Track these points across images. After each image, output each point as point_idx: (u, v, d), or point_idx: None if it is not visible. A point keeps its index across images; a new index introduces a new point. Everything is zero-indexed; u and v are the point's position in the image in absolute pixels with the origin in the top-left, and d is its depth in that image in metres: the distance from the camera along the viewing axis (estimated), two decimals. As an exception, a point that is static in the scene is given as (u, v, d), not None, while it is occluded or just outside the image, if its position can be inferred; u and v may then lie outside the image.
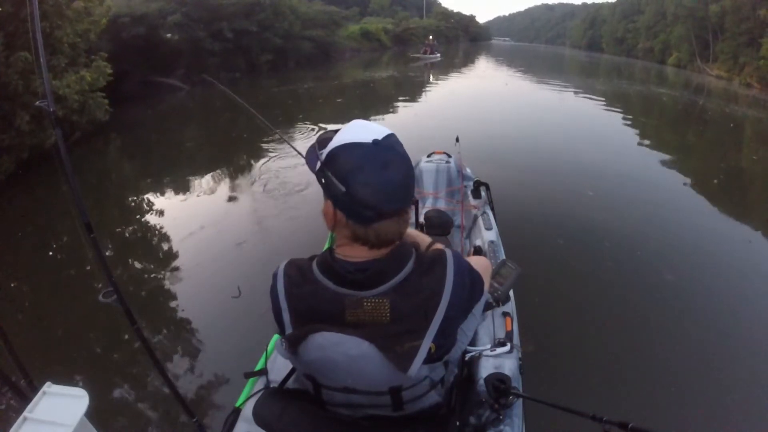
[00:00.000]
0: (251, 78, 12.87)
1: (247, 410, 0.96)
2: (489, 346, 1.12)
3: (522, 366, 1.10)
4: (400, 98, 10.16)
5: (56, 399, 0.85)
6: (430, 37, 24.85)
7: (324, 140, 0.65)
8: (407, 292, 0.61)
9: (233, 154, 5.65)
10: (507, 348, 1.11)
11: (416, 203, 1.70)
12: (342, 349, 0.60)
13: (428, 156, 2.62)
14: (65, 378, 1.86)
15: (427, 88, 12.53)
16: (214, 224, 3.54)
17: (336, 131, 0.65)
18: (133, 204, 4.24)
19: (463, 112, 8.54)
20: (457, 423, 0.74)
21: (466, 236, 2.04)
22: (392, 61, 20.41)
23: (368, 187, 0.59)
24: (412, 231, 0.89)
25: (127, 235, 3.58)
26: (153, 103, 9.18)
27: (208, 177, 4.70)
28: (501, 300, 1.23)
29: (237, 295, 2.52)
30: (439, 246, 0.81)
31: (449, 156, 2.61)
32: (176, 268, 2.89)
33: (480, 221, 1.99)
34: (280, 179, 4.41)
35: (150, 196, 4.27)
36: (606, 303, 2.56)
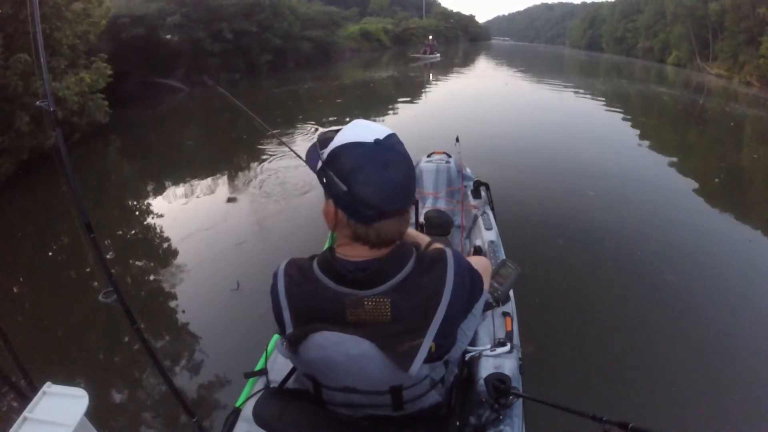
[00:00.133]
0: (251, 78, 12.87)
1: (247, 410, 0.96)
2: (489, 346, 1.12)
3: (522, 366, 1.10)
4: (400, 98, 10.15)
5: (56, 399, 0.85)
6: (430, 37, 24.87)
7: (325, 140, 0.65)
8: (408, 292, 0.61)
9: (233, 155, 5.66)
10: (507, 348, 1.11)
11: (416, 203, 1.70)
12: (342, 349, 0.60)
13: (428, 156, 2.62)
14: (65, 378, 1.86)
15: (427, 89, 12.53)
16: (214, 224, 3.54)
17: (337, 131, 0.66)
18: (133, 205, 4.24)
19: (463, 112, 8.54)
20: (457, 423, 0.74)
21: (466, 236, 2.04)
22: (392, 62, 20.42)
23: (370, 187, 0.59)
24: (411, 231, 0.89)
25: (127, 235, 3.58)
26: (153, 104, 9.18)
27: (208, 178, 4.70)
28: (501, 300, 1.23)
29: (236, 288, 2.55)
30: (439, 245, 0.81)
31: (449, 156, 2.61)
32: (176, 269, 2.89)
33: (480, 221, 1.99)
34: (279, 180, 4.41)
35: (150, 197, 4.27)
36: (606, 303, 2.55)
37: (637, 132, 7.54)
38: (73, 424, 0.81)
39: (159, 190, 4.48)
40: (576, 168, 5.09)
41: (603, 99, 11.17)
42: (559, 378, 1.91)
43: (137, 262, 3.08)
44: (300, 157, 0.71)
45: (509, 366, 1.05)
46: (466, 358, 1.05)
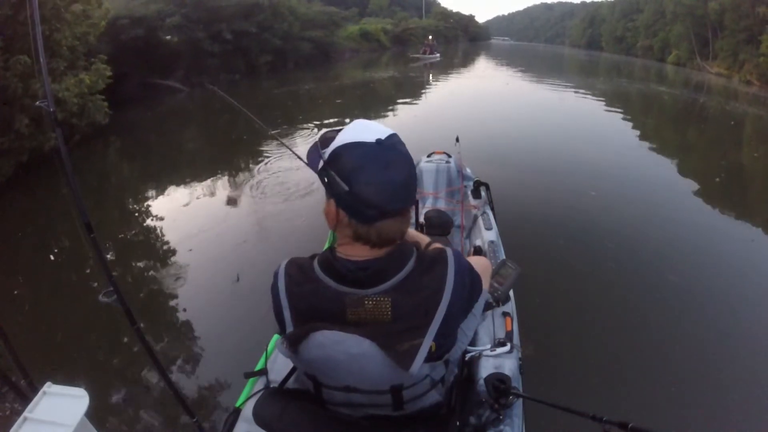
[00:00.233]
0: (251, 79, 12.88)
1: (247, 410, 0.96)
2: (489, 346, 1.12)
3: (522, 366, 1.10)
4: (400, 99, 10.15)
5: (56, 399, 0.86)
6: (430, 37, 24.84)
7: (326, 139, 0.65)
8: (408, 291, 0.61)
9: (233, 156, 5.66)
10: (507, 348, 1.11)
11: (416, 203, 1.70)
12: (343, 348, 0.60)
13: (428, 156, 2.62)
14: (65, 378, 1.86)
15: (427, 89, 12.53)
16: (214, 225, 3.54)
17: (338, 131, 0.66)
18: (132, 205, 4.24)
19: (463, 112, 8.53)
20: (457, 423, 0.74)
21: (466, 236, 2.04)
22: (392, 62, 20.42)
23: (371, 187, 0.59)
24: (411, 231, 0.89)
25: (127, 236, 3.58)
26: (152, 105, 9.19)
27: (207, 178, 4.70)
28: (501, 300, 1.23)
29: (236, 281, 2.59)
30: (439, 245, 0.81)
31: (449, 156, 2.61)
32: (176, 269, 2.90)
33: (480, 221, 1.99)
34: (279, 180, 4.41)
35: (150, 198, 4.27)
36: (606, 303, 2.55)
37: (638, 131, 7.54)
38: (73, 424, 0.81)
39: (159, 191, 4.48)
40: (576, 168, 5.09)
41: (603, 98, 11.17)
42: (559, 378, 1.91)
43: (137, 263, 3.08)
44: (300, 159, 0.72)
45: (509, 366, 1.05)
46: (466, 358, 1.05)
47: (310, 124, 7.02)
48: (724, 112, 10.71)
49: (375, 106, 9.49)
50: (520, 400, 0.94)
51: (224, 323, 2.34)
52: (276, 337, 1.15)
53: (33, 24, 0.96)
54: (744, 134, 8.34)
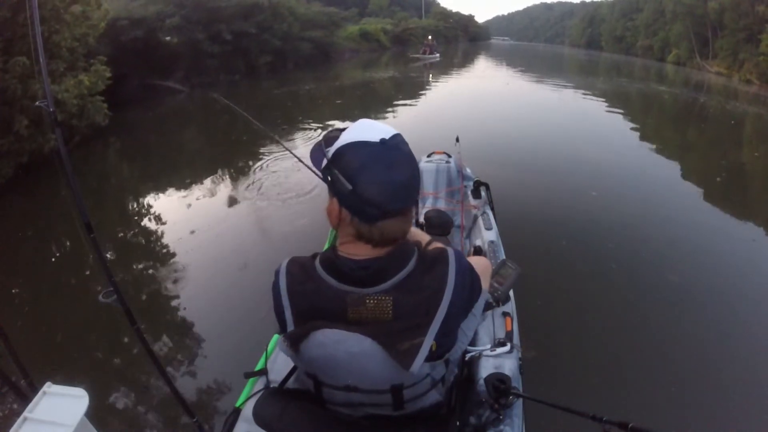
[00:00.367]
0: (251, 80, 12.88)
1: (247, 410, 0.96)
2: (489, 346, 1.12)
3: (522, 366, 1.10)
4: (400, 99, 10.15)
5: (56, 399, 0.86)
6: (429, 37, 24.85)
7: (330, 139, 0.66)
8: (409, 290, 0.62)
9: (233, 157, 5.66)
10: (507, 348, 1.11)
11: (416, 203, 1.69)
12: (344, 347, 0.60)
13: (428, 156, 2.62)
14: (65, 378, 1.86)
15: (427, 89, 12.53)
16: (214, 225, 3.54)
17: (342, 130, 0.66)
18: (132, 206, 4.24)
19: (463, 112, 8.53)
20: (457, 423, 0.74)
21: (466, 236, 2.03)
22: (391, 62, 20.42)
23: (375, 186, 0.59)
24: (413, 229, 0.89)
25: (127, 236, 3.58)
26: (152, 106, 9.19)
27: (207, 179, 4.70)
28: (501, 300, 1.23)
29: (243, 267, 2.69)
30: (440, 244, 0.82)
31: (449, 156, 2.61)
32: (176, 269, 2.90)
33: (480, 221, 1.99)
34: (279, 181, 4.41)
35: (150, 199, 4.27)
36: (606, 303, 2.55)
37: (638, 131, 7.54)
38: (73, 424, 0.81)
39: (159, 192, 4.48)
40: (577, 168, 5.08)
41: (603, 98, 11.16)
42: (559, 378, 1.91)
43: (137, 263, 3.08)
44: (302, 161, 0.72)
45: (509, 366, 1.05)
46: (466, 358, 1.05)
47: (310, 125, 7.02)
48: (725, 111, 10.70)
49: (375, 106, 9.48)
50: (520, 400, 0.94)
51: (224, 323, 2.34)
52: (276, 337, 1.15)
53: (32, 25, 0.96)
54: (744, 134, 8.34)
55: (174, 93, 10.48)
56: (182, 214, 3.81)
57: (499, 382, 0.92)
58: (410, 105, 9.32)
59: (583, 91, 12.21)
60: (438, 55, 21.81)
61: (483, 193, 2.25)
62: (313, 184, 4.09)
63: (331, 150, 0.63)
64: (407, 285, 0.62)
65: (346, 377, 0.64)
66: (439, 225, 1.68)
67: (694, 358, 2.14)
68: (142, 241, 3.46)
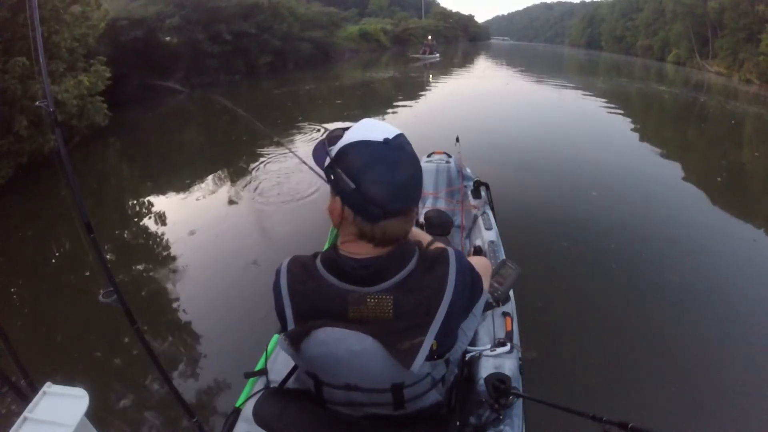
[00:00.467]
0: (251, 80, 12.88)
1: (247, 410, 0.96)
2: (489, 346, 1.12)
3: (522, 366, 1.10)
4: (400, 99, 10.15)
5: (56, 399, 0.86)
6: (429, 37, 24.85)
7: (334, 137, 0.66)
8: (410, 289, 0.62)
9: (233, 157, 5.66)
10: (507, 348, 1.11)
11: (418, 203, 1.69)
12: (345, 345, 0.60)
13: (428, 156, 2.62)
14: (65, 378, 1.86)
15: (427, 89, 12.52)
16: (214, 225, 3.54)
17: (345, 129, 0.66)
18: (133, 206, 4.24)
19: (463, 112, 8.54)
20: (457, 423, 0.74)
21: (466, 236, 2.03)
22: (391, 62, 20.42)
23: (378, 185, 0.59)
24: (414, 229, 0.89)
25: (127, 237, 3.58)
26: (152, 106, 9.19)
27: (208, 179, 4.70)
28: (501, 300, 1.23)
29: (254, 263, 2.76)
30: (440, 244, 0.82)
31: (449, 156, 2.61)
32: (176, 269, 2.90)
33: (480, 221, 1.99)
34: (279, 181, 4.41)
35: (150, 199, 4.27)
36: (607, 303, 2.55)
37: (638, 131, 7.54)
38: (73, 424, 0.81)
39: (159, 192, 4.48)
40: (577, 168, 5.08)
41: (603, 98, 11.16)
42: (559, 378, 1.90)
43: (137, 263, 3.08)
44: (304, 162, 0.72)
45: (509, 366, 1.05)
46: (466, 358, 1.05)
47: (310, 125, 7.01)
48: (725, 111, 10.69)
49: (375, 106, 9.48)
50: (520, 400, 0.94)
51: (224, 323, 2.34)
52: (276, 337, 1.15)
53: (32, 25, 0.96)
54: (744, 133, 8.34)
55: (174, 93, 10.48)
56: (182, 214, 3.81)
57: (499, 382, 0.92)
58: (410, 105, 9.32)
59: (583, 91, 12.22)
60: (438, 55, 21.81)
61: (483, 193, 2.25)
62: (313, 185, 4.09)
63: (335, 149, 0.64)
64: (408, 284, 0.62)
65: (347, 376, 0.64)
66: (439, 225, 1.68)
67: (694, 358, 2.14)
68: (142, 241, 3.46)
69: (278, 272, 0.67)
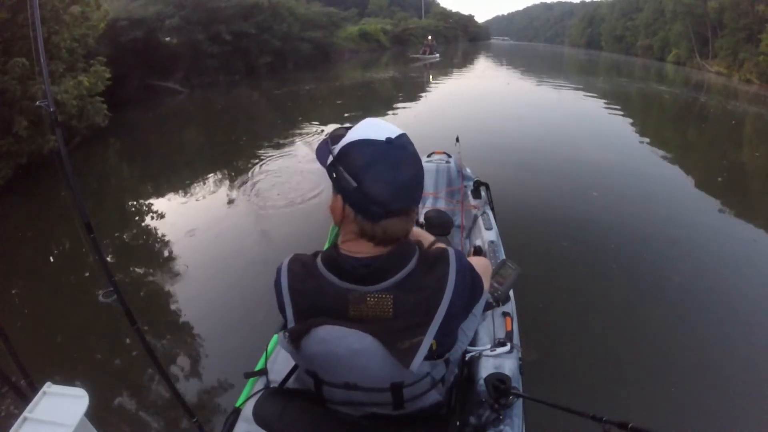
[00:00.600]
0: (250, 80, 12.89)
1: (247, 410, 0.96)
2: (489, 346, 1.12)
3: (522, 366, 1.10)
4: (400, 99, 10.16)
5: (56, 399, 0.86)
6: (429, 37, 24.85)
7: (337, 136, 0.66)
8: (410, 289, 0.62)
9: (232, 157, 5.66)
10: (507, 348, 1.11)
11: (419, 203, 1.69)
12: (345, 343, 0.60)
13: (428, 156, 2.62)
14: (65, 378, 1.86)
15: (427, 89, 12.53)
16: (214, 226, 3.54)
17: (349, 128, 0.66)
18: (132, 207, 4.24)
19: (463, 112, 8.54)
20: (457, 423, 0.74)
21: (466, 236, 2.03)
22: (391, 62, 20.42)
23: (379, 185, 0.60)
24: (415, 229, 0.89)
25: (127, 237, 3.59)
26: (152, 107, 9.19)
27: (207, 180, 4.70)
28: (501, 300, 1.23)
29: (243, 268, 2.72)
30: (442, 244, 0.82)
31: (449, 156, 2.61)
32: (176, 270, 2.90)
33: (480, 221, 1.99)
34: (279, 181, 4.41)
35: (150, 199, 4.28)
36: (607, 303, 2.55)
37: (639, 131, 7.54)
38: (73, 424, 0.81)
39: (159, 193, 4.48)
40: (577, 168, 5.08)
41: (604, 98, 11.16)
42: (559, 378, 1.90)
43: (137, 263, 3.09)
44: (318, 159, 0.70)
45: (509, 366, 1.05)
46: (466, 358, 1.05)
47: (310, 125, 7.02)
48: (725, 111, 10.69)
49: (375, 106, 9.49)
50: (520, 400, 0.94)
51: (224, 323, 2.34)
52: (276, 337, 1.15)
53: (33, 25, 0.96)
54: (745, 133, 8.34)
55: (174, 93, 10.48)
56: (182, 215, 3.82)
57: (499, 382, 0.92)
58: (410, 105, 9.33)
59: (583, 91, 12.21)
60: (438, 55, 21.81)
61: (483, 193, 2.25)
62: (313, 185, 4.09)
63: (337, 147, 0.64)
64: (408, 284, 0.62)
65: (347, 374, 0.64)
66: (439, 225, 1.68)
67: (694, 358, 2.14)
68: (142, 242, 3.46)
69: (279, 271, 0.67)
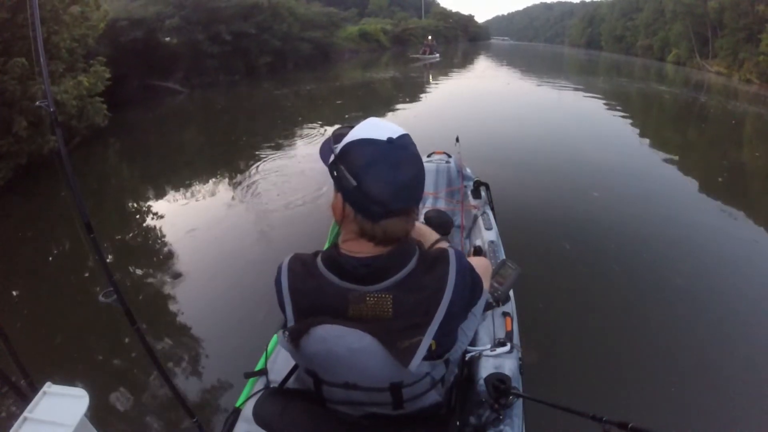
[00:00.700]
0: (250, 80, 12.88)
1: (247, 410, 0.96)
2: (489, 346, 1.12)
3: (522, 366, 1.10)
4: (400, 99, 10.16)
5: (56, 399, 0.86)
6: (429, 37, 24.85)
7: (339, 135, 0.66)
8: (410, 289, 0.62)
9: (232, 157, 5.66)
10: (507, 348, 1.11)
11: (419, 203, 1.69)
12: (344, 342, 0.60)
13: (428, 156, 2.62)
14: (65, 378, 1.86)
15: (427, 89, 12.53)
16: (214, 226, 3.54)
17: (352, 127, 0.66)
18: (132, 207, 4.25)
19: (463, 112, 8.54)
20: (457, 423, 0.74)
21: (466, 236, 2.03)
22: (391, 62, 20.42)
23: (379, 184, 0.60)
24: (421, 226, 0.89)
25: (127, 237, 3.58)
26: (152, 107, 9.19)
27: (207, 180, 4.71)
28: (501, 300, 1.23)
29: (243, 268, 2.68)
30: (446, 243, 0.82)
31: (449, 156, 2.61)
32: (176, 270, 2.90)
33: (480, 221, 1.99)
34: (279, 181, 4.42)
35: (150, 199, 4.28)
36: (607, 303, 2.55)
37: (639, 131, 7.54)
38: (73, 424, 0.81)
39: (159, 193, 4.48)
40: (577, 168, 5.08)
41: (604, 98, 11.15)
42: (559, 378, 1.90)
43: (137, 263, 3.09)
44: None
45: (509, 366, 1.05)
46: (466, 358, 1.05)
47: (310, 125, 7.02)
48: (725, 111, 10.69)
49: (375, 106, 9.48)
50: (520, 400, 0.94)
51: (224, 323, 2.34)
52: (276, 337, 1.15)
53: (33, 26, 0.96)
54: (745, 133, 8.34)
55: (174, 93, 10.48)
56: (182, 215, 3.82)
57: (499, 382, 0.92)
58: (410, 105, 9.33)
59: (583, 91, 12.21)
60: (438, 55, 21.80)
61: (483, 193, 2.25)
62: (313, 185, 4.09)
63: (339, 146, 0.64)
64: (408, 284, 0.62)
65: (346, 374, 0.64)
66: (439, 225, 1.67)
67: (694, 358, 2.14)
68: (142, 242, 3.46)
69: (279, 269, 0.68)
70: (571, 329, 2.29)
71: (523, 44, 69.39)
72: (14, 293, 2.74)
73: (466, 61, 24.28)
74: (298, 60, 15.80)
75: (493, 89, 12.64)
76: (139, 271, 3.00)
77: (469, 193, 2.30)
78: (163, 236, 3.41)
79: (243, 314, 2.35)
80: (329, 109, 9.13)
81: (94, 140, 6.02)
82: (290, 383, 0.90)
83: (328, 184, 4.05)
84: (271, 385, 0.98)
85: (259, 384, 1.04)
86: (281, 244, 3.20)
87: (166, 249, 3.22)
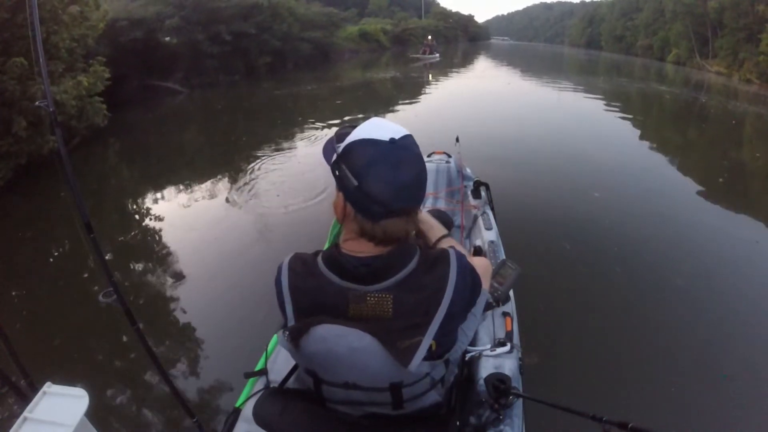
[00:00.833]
0: (250, 80, 12.88)
1: (247, 410, 0.96)
2: (489, 346, 1.12)
3: (522, 366, 1.09)
4: (400, 99, 10.16)
5: (56, 399, 0.86)
6: (429, 37, 24.84)
7: (342, 134, 0.66)
8: (410, 289, 0.62)
9: (232, 158, 5.66)
10: (507, 348, 1.11)
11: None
12: (344, 342, 0.60)
13: (428, 156, 2.61)
14: (65, 378, 1.86)
15: (427, 89, 12.52)
16: (214, 226, 3.54)
17: (354, 127, 0.67)
18: (132, 207, 4.24)
19: (463, 112, 8.53)
20: (457, 423, 0.74)
21: (466, 236, 2.03)
22: (391, 62, 20.42)
23: (380, 184, 0.60)
24: (430, 219, 0.89)
25: (127, 237, 3.58)
26: (152, 107, 9.19)
27: (207, 180, 4.70)
28: (501, 300, 1.23)
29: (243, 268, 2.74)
30: (453, 241, 0.82)
31: (449, 156, 2.61)
32: (176, 270, 2.90)
33: (480, 221, 1.99)
34: (279, 181, 4.41)
35: (149, 200, 4.27)
36: (607, 303, 2.55)
37: (639, 131, 7.53)
38: (73, 424, 0.81)
39: (159, 193, 4.48)
40: (577, 168, 5.08)
41: (604, 98, 11.15)
42: (559, 378, 1.90)
43: (137, 264, 3.08)
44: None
45: (509, 366, 1.04)
46: (466, 358, 1.05)
47: (310, 125, 7.01)
48: (725, 111, 10.69)
49: (375, 106, 9.48)
50: (520, 400, 0.94)
51: (224, 323, 2.34)
52: (276, 337, 1.15)
53: (32, 25, 0.96)
54: (745, 133, 8.34)
55: (173, 94, 10.48)
56: (182, 215, 3.81)
57: (499, 382, 0.92)
58: (410, 105, 9.33)
59: (583, 91, 12.22)
60: (438, 55, 21.80)
61: (483, 193, 2.25)
62: (313, 186, 4.09)
63: (342, 146, 0.64)
64: (408, 284, 0.62)
65: (346, 374, 0.64)
66: (439, 225, 1.68)
67: (694, 358, 2.13)
68: (142, 242, 3.46)
69: (280, 269, 0.68)
70: (571, 329, 2.29)
71: (523, 44, 69.37)
72: (14, 293, 2.74)
73: (466, 61, 24.27)
74: (298, 60, 15.80)
75: (493, 89, 12.63)
76: (139, 271, 2.99)
77: (469, 193, 2.30)
78: (163, 236, 3.41)
79: (243, 314, 2.34)
80: (329, 110, 9.12)
81: (93, 140, 6.02)
82: (290, 383, 0.90)
83: (328, 185, 4.06)
84: (271, 385, 0.97)
85: (259, 384, 1.04)
86: (281, 244, 3.20)
87: (165, 249, 3.22)
